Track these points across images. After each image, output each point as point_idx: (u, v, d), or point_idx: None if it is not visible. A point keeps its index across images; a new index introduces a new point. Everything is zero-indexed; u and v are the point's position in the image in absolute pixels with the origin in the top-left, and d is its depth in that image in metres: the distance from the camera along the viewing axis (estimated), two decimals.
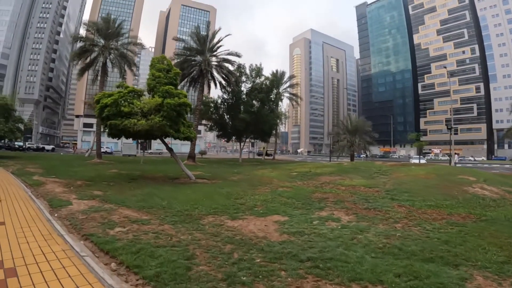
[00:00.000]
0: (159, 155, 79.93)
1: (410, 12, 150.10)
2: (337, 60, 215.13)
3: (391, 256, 7.02)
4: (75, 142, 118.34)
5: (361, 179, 20.85)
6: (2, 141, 56.88)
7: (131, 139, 23.75)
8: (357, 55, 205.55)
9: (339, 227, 9.58)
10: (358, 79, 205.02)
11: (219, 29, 48.88)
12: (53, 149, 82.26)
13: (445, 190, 16.60)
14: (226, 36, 49.64)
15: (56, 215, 10.09)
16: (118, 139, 23.61)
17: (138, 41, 46.90)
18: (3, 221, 8.77)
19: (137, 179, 21.29)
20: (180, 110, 20.04)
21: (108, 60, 44.27)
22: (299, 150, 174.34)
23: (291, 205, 12.82)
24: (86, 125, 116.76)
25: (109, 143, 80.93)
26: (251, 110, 52.81)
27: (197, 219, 9.99)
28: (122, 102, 19.28)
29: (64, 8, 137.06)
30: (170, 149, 23.72)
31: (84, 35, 45.81)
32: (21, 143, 70.86)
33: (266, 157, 76.12)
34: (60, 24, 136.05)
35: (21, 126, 45.11)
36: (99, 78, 44.29)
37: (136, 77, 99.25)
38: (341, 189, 17.54)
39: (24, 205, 11.05)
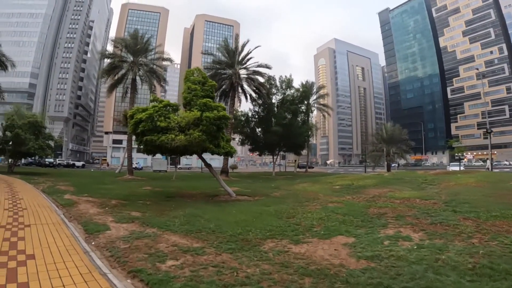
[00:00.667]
0: (188, 170, 79.08)
1: (434, 15, 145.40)
2: (363, 68, 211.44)
3: (487, 278, 6.22)
4: (105, 158, 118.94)
5: (412, 191, 19.81)
6: (33, 157, 56.97)
7: (159, 154, 22.62)
8: (382, 62, 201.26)
9: (415, 247, 8.51)
10: (385, 86, 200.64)
11: (247, 41, 47.66)
12: (83, 166, 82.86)
13: (504, 199, 15.58)
14: (255, 48, 47.66)
15: (93, 243, 8.75)
16: (153, 156, 22.53)
17: (166, 56, 46.12)
18: (33, 254, 7.35)
19: (174, 197, 20.13)
20: (220, 124, 18.84)
21: (137, 76, 43.43)
22: (328, 162, 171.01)
23: (351, 223, 11.55)
24: (115, 141, 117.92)
25: (138, 159, 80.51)
26: (283, 123, 51.03)
27: (256, 245, 8.73)
28: (158, 117, 18.12)
29: (90, 28, 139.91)
30: (208, 165, 22.40)
31: (112, 51, 45.40)
32: (51, 160, 71.10)
33: (298, 169, 74.21)
34: (87, 44, 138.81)
35: (52, 143, 45.12)
36: (128, 94, 43.64)
37: (162, 94, 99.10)
38: (396, 203, 16.14)
39: (56, 231, 9.67)
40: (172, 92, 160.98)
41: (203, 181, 35.16)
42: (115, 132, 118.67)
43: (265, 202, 17.71)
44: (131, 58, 43.43)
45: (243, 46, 46.99)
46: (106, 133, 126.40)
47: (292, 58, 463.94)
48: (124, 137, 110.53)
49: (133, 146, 33.69)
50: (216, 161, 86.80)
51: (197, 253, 7.85)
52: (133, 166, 70.36)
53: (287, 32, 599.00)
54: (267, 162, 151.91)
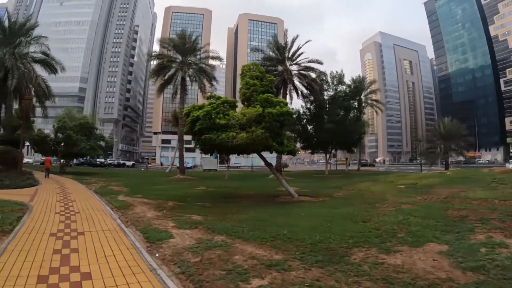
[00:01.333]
0: (237, 169, 78.08)
1: (482, 2, 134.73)
2: (410, 61, 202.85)
3: None
4: (154, 158, 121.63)
5: (485, 191, 18.38)
6: (84, 158, 57.93)
7: (207, 153, 21.46)
8: (430, 54, 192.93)
9: None
10: (434, 80, 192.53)
11: (297, 36, 45.51)
12: (133, 165, 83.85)
13: None
14: (305, 43, 45.63)
15: (157, 255, 7.43)
16: (210, 155, 21.39)
17: (214, 54, 45.06)
18: (89, 272, 6.04)
19: (231, 198, 19.04)
20: (284, 120, 17.57)
21: (186, 76, 42.67)
22: (377, 160, 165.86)
23: (435, 228, 10.31)
24: (164, 141, 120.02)
25: (187, 158, 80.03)
26: (336, 119, 48.89)
27: (344, 255, 7.53)
28: (216, 114, 17.09)
29: (136, 32, 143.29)
30: (269, 164, 21.01)
31: (160, 52, 45.00)
32: (102, 160, 72.03)
33: (349, 168, 71.80)
34: (134, 48, 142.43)
35: (102, 144, 45.34)
36: (178, 93, 42.84)
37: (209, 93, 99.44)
38: (474, 204, 14.74)
39: (114, 241, 8.41)
40: (219, 92, 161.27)
41: (257, 180, 34.17)
42: (163, 132, 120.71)
43: (332, 204, 16.46)
44: (180, 58, 42.78)
45: (293, 41, 45.11)
46: (155, 133, 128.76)
47: (337, 54, 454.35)
48: (172, 137, 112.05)
49: (193, 146, 32.86)
50: (250, 160, 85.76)
51: (282, 268, 6.55)
52: (189, 165, 70.64)
53: (331, 28, 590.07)
54: (315, 160, 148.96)
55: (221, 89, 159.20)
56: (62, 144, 40.88)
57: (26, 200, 14.55)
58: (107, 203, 15.35)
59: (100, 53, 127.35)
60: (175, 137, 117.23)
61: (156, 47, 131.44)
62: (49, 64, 31.99)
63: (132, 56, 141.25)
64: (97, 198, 17.17)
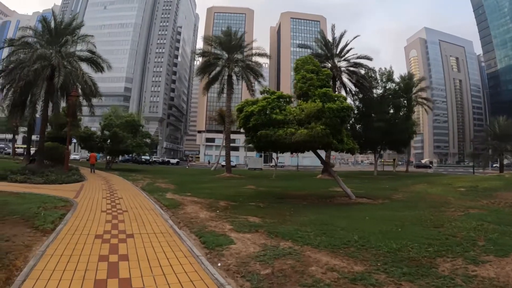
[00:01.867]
0: (281, 168, 76.54)
1: None
2: (457, 58, 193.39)
3: None
4: (198, 156, 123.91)
5: None
6: (130, 155, 58.13)
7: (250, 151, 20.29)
8: (478, 50, 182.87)
9: None
10: (483, 77, 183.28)
11: (345, 31, 43.59)
12: (177, 163, 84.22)
13: None
14: (354, 38, 43.61)
15: (219, 264, 6.26)
16: (264, 153, 20.24)
17: (261, 51, 43.76)
18: (143, 287, 4.89)
19: (284, 199, 17.65)
20: (344, 116, 16.34)
21: (233, 73, 41.53)
22: (423, 161, 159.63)
23: None
24: (208, 139, 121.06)
25: (231, 156, 79.82)
26: (386, 118, 46.60)
27: (430, 266, 6.54)
28: (271, 109, 15.99)
29: (179, 33, 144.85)
30: (326, 163, 19.60)
31: (205, 50, 44.10)
32: (147, 157, 72.65)
33: (396, 169, 68.97)
34: (177, 48, 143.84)
35: (148, 141, 45.41)
36: (225, 91, 41.87)
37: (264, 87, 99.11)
38: None
39: (168, 245, 7.30)
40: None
41: (305, 180, 32.87)
42: (208, 131, 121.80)
43: (394, 207, 15.18)
44: (226, 55, 41.75)
45: (341, 36, 43.23)
46: (199, 131, 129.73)
47: (381, 52, 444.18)
48: (216, 136, 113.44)
49: (245, 144, 32.03)
50: (309, 160, 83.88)
51: (370, 282, 5.51)
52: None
53: (372, 25, 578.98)
54: (359, 160, 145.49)
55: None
56: (109, 141, 41.26)
57: (71, 196, 13.82)
58: (156, 201, 14.47)
59: (145, 54, 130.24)
60: (219, 135, 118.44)
61: (200, 46, 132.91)
62: (96, 63, 31.63)
63: (176, 57, 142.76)
64: (145, 195, 16.35)
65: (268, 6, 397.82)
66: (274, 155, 40.82)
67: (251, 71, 41.84)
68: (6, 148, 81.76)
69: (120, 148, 40.44)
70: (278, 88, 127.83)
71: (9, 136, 70.59)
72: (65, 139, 52.24)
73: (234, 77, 42.36)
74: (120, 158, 62.79)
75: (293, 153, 18.88)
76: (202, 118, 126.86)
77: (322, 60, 42.65)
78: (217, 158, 62.93)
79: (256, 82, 42.68)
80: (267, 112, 15.74)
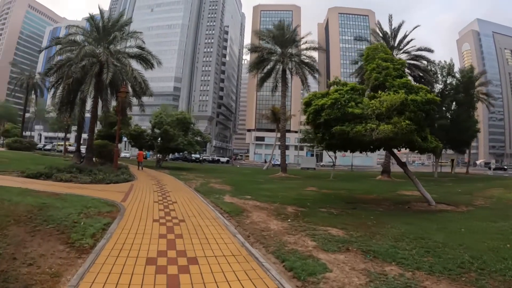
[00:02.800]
0: (331, 168, 73.20)
1: None
2: None
3: None
4: (247, 155, 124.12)
5: None
6: (181, 153, 57.05)
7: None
8: None
9: None
10: None
11: (403, 22, 40.33)
12: (227, 161, 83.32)
13: None
14: (414, 29, 40.17)
15: None
16: (334, 152, 18.13)
17: (316, 45, 41.26)
18: None
19: (355, 203, 15.52)
20: (429, 110, 14.06)
21: (287, 68, 39.33)
22: (478, 162, 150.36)
23: None
24: (258, 138, 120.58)
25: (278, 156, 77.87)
26: (447, 116, 43.17)
27: None
28: (346, 102, 13.87)
29: (226, 32, 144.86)
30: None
31: (255, 45, 42.13)
32: (197, 155, 71.38)
33: (454, 171, 64.47)
34: (225, 47, 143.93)
35: (200, 139, 44.19)
36: (279, 87, 39.90)
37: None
38: None
39: (246, 276, 5.36)
40: (312, 88, 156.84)
41: (366, 182, 30.67)
42: (257, 130, 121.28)
43: (483, 215, 12.88)
44: (279, 50, 39.59)
45: (399, 27, 40.06)
46: (249, 130, 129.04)
47: (432, 46, 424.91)
48: (266, 134, 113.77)
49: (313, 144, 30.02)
50: (359, 159, 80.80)
51: None
52: (276, 163, 67.71)
53: (424, 18, 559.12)
54: (410, 160, 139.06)
55: (314, 86, 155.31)
56: (159, 139, 40.34)
57: (118, 199, 12.20)
58: (214, 206, 12.64)
59: (193, 53, 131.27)
60: (269, 134, 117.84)
61: (248, 44, 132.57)
62: (145, 59, 30.50)
63: (224, 56, 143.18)
64: (201, 198, 14.58)
65: (314, 2, 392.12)
66: (328, 153, 38.39)
67: (306, 66, 39.51)
68: (54, 146, 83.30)
69: (171, 146, 39.32)
70: (329, 85, 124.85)
71: (62, 134, 71.65)
72: (114, 136, 52.64)
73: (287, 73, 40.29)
74: (170, 156, 62.54)
75: (345, 152, 16.76)
76: (251, 117, 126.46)
77: None
78: (270, 157, 61.03)
79: (310, 77, 40.40)
80: (341, 105, 13.62)
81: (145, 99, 31.86)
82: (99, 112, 32.98)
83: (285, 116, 37.80)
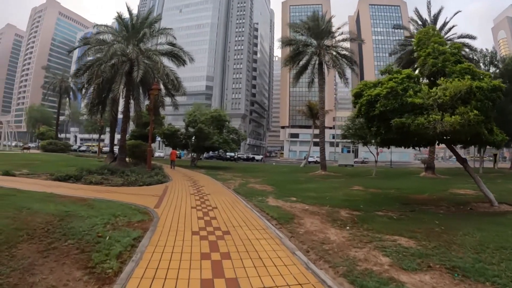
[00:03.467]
0: (362, 164, 70.64)
1: None
2: None
3: None
4: (282, 152, 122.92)
5: None
6: (216, 151, 56.23)
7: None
8: None
9: None
10: None
11: (442, 8, 37.32)
12: (262, 159, 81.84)
13: None
14: (454, 15, 37.57)
15: None
16: (388, 148, 16.45)
17: (353, 36, 39.16)
18: None
19: (410, 205, 13.73)
20: (495, 98, 12.18)
21: (323, 61, 37.41)
22: None
23: None
24: (292, 135, 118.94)
25: (313, 152, 75.91)
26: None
27: None
28: (404, 91, 12.24)
29: (256, 29, 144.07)
30: (463, 160, 15.31)
31: (290, 38, 40.24)
32: (232, 153, 69.79)
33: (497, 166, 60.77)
34: (255, 44, 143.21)
35: (236, 137, 42.66)
36: (315, 81, 38.03)
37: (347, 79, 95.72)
38: None
39: None
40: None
41: (410, 179, 28.43)
42: (292, 126, 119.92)
43: None
44: (315, 42, 37.38)
45: (439, 13, 37.24)
46: (283, 127, 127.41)
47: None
48: (300, 131, 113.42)
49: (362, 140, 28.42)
50: (395, 155, 77.74)
51: None
52: (313, 159, 65.87)
53: (456, 7, 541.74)
54: (446, 156, 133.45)
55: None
56: (193, 138, 39.29)
57: (151, 205, 10.95)
58: (259, 211, 11.15)
59: (224, 52, 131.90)
60: (303, 130, 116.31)
61: (277, 38, 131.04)
62: (176, 56, 29.41)
63: (255, 53, 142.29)
64: (243, 201, 13.10)
65: None
66: (370, 149, 36.33)
67: (344, 58, 37.50)
68: (89, 147, 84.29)
69: (206, 145, 38.17)
70: (362, 78, 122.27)
71: (97, 136, 72.07)
72: (148, 136, 52.09)
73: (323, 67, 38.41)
74: (204, 155, 61.73)
75: (382, 148, 15.11)
76: (285, 114, 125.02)
77: None
78: (307, 154, 59.16)
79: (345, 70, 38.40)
80: (398, 95, 11.99)
81: (178, 98, 30.83)
82: (132, 112, 32.23)
83: (323, 111, 35.82)
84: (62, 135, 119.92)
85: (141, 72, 23.74)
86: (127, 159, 28.74)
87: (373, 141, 14.23)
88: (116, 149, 34.85)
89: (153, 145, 65.27)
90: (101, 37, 27.84)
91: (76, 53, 73.62)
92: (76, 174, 17.40)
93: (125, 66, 25.12)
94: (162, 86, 29.17)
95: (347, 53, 37.33)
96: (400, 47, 39.44)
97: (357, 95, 13.36)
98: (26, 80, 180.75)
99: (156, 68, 26.43)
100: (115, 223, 7.93)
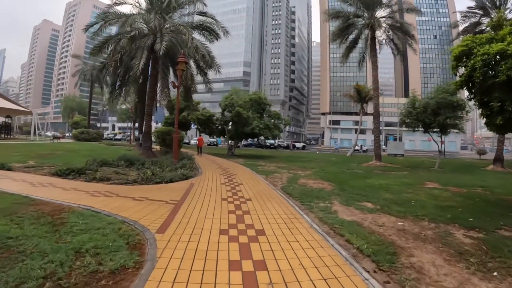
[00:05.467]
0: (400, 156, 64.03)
1: None
2: None
3: None
4: (322, 139, 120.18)
5: None
6: (254, 138, 51.08)
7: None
8: None
9: None
10: None
11: None
12: (303, 147, 77.48)
13: None
14: None
15: None
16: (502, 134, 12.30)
17: (410, 6, 33.76)
18: None
19: None
20: None
21: (376, 36, 32.20)
22: None
23: None
24: (333, 122, 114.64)
25: (359, 140, 70.83)
26: None
27: None
28: None
29: (293, 13, 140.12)
30: None
31: (337, 10, 35.10)
32: (272, 141, 65.37)
33: None
34: (293, 29, 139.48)
35: (278, 122, 37.55)
36: (366, 58, 33.35)
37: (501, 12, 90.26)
38: None
39: None
40: (386, 61, 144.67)
41: (483, 173, 23.54)
42: (333, 113, 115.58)
43: None
44: (365, 13, 32.06)
45: None
46: (323, 114, 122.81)
47: None
48: (341, 118, 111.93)
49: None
50: (454, 144, 71.97)
51: None
52: (356, 148, 61.01)
53: None
54: (509, 148, 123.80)
55: (388, 61, 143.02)
56: (230, 124, 35.36)
57: (156, 224, 6.80)
58: (330, 231, 6.90)
59: (261, 36, 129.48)
60: (345, 117, 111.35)
61: (315, 22, 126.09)
62: (209, 28, 25.17)
63: (293, 37, 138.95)
64: (299, 212, 8.75)
65: None
66: (433, 138, 31.42)
67: (400, 31, 32.43)
68: (123, 136, 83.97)
69: (245, 131, 33.35)
70: (406, 62, 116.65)
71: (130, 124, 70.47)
72: (184, 123, 48.71)
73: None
74: (242, 142, 58.38)
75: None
76: (325, 100, 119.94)
77: (487, 13, 31.94)
78: (354, 142, 53.97)
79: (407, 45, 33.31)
80: None
81: (214, 85, 26.73)
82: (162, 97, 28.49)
83: (378, 92, 30.45)
84: (102, 124, 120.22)
85: (164, 44, 19.85)
86: (157, 147, 25.51)
87: (486, 125, 9.78)
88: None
89: (189, 132, 62.36)
90: (119, 8, 23.97)
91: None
92: (79, 168, 13.71)
93: (147, 40, 21.41)
94: (193, 64, 25.40)
95: (404, 24, 32.24)
96: (462, 18, 34.21)
97: (462, 56, 9.23)
98: (64, 72, 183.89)
99: (183, 41, 22.51)
100: (70, 274, 4.11)
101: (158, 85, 25.36)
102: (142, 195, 9.88)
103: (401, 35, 31.74)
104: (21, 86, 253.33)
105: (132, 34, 21.14)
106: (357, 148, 62.99)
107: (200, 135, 39.62)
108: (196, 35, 25.20)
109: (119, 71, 24.59)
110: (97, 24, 23.35)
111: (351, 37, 33.01)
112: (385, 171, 22.16)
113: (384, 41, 32.76)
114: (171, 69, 26.75)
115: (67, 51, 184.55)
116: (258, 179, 15.26)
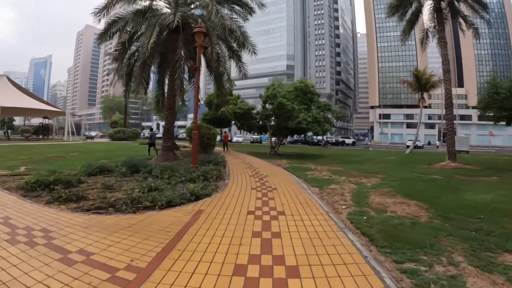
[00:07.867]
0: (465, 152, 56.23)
1: None
2: None
3: None
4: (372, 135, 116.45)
5: None
6: (301, 134, 44.40)
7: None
8: None
9: None
10: None
11: None
12: (353, 143, 72.99)
13: None
14: None
15: None
16: None
17: None
18: None
19: None
20: None
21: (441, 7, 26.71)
22: None
23: None
24: (384, 116, 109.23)
25: (407, 135, 65.17)
26: None
27: None
28: None
29: (336, 2, 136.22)
30: None
31: None
32: (319, 137, 59.82)
33: None
34: (336, 18, 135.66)
35: (330, 116, 32.65)
36: (429, 36, 28.42)
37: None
38: None
39: None
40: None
41: None
42: (383, 106, 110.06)
43: None
44: None
45: None
46: (372, 107, 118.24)
47: None
48: (391, 111, 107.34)
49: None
50: (498, 138, 65.38)
51: None
52: (408, 144, 55.42)
53: None
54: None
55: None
56: (273, 118, 30.67)
57: None
58: None
59: (303, 28, 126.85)
60: (395, 111, 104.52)
61: (358, 12, 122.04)
62: (241, 3, 20.78)
63: (337, 27, 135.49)
64: (358, 250, 4.96)
65: None
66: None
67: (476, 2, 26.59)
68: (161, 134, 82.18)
69: (289, 126, 28.56)
70: (458, 45, 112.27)
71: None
72: (222, 120, 44.99)
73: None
74: (288, 138, 55.53)
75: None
76: (374, 92, 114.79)
77: None
78: (415, 138, 47.76)
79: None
80: None
81: (255, 81, 22.28)
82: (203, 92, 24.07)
83: (448, 75, 24.26)
84: (146, 123, 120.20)
85: (179, 14, 15.65)
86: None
87: None
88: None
89: (227, 129, 58.57)
90: None
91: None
92: (52, 180, 9.57)
93: (160, 15, 17.43)
94: (224, 48, 21.09)
95: None
96: None
97: None
98: (107, 74, 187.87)
99: (205, 14, 18.53)
100: None
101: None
102: (124, 235, 5.57)
103: (474, 3, 26.23)
104: (68, 89, 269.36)
105: (137, 7, 18.23)
106: (408, 144, 57.07)
107: (225, 132, 38.71)
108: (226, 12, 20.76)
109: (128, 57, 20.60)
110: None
111: (411, 9, 28.17)
112: (469, 177, 16.54)
113: (449, 14, 27.18)
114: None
115: (110, 53, 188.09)
116: (309, 199, 9.64)
